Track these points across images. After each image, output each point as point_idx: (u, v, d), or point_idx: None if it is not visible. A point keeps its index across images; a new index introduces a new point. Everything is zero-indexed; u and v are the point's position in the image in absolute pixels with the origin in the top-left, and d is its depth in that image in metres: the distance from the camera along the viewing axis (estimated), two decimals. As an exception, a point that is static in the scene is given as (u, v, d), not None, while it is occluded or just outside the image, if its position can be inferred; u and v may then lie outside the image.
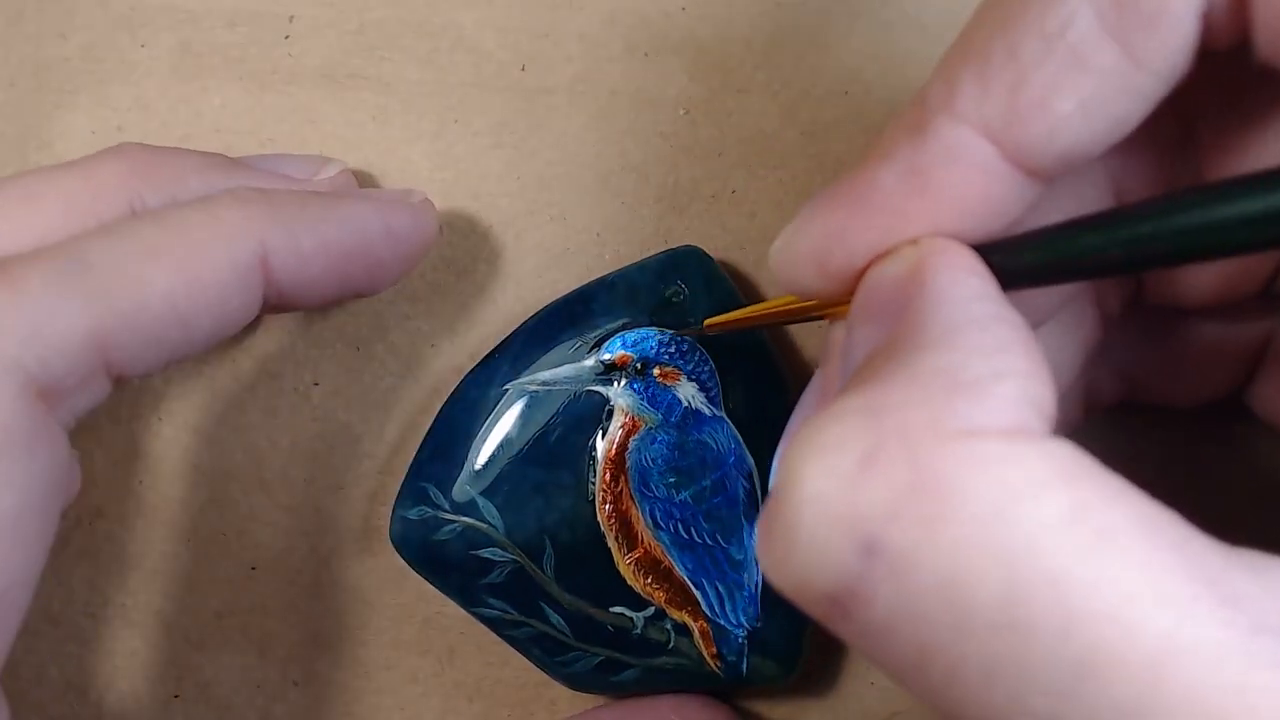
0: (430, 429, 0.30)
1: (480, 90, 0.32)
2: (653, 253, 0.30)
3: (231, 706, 0.32)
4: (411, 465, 0.30)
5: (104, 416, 0.33)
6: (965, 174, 0.19)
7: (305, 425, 0.32)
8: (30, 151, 0.33)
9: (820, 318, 0.24)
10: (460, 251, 0.32)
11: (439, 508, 0.29)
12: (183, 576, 0.33)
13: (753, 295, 0.32)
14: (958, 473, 0.16)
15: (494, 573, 0.29)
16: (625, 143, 0.32)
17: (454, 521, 0.29)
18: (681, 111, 0.32)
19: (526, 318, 0.32)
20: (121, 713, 0.33)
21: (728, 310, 0.29)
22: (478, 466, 0.29)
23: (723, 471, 0.29)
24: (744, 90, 0.32)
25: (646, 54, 0.32)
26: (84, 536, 0.33)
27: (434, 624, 0.32)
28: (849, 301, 0.21)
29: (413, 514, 0.29)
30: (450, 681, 0.32)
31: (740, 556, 0.29)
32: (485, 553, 0.29)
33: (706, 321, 0.28)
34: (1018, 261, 0.20)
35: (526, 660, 0.30)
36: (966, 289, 0.19)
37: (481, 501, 0.29)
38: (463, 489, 0.29)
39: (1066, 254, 0.19)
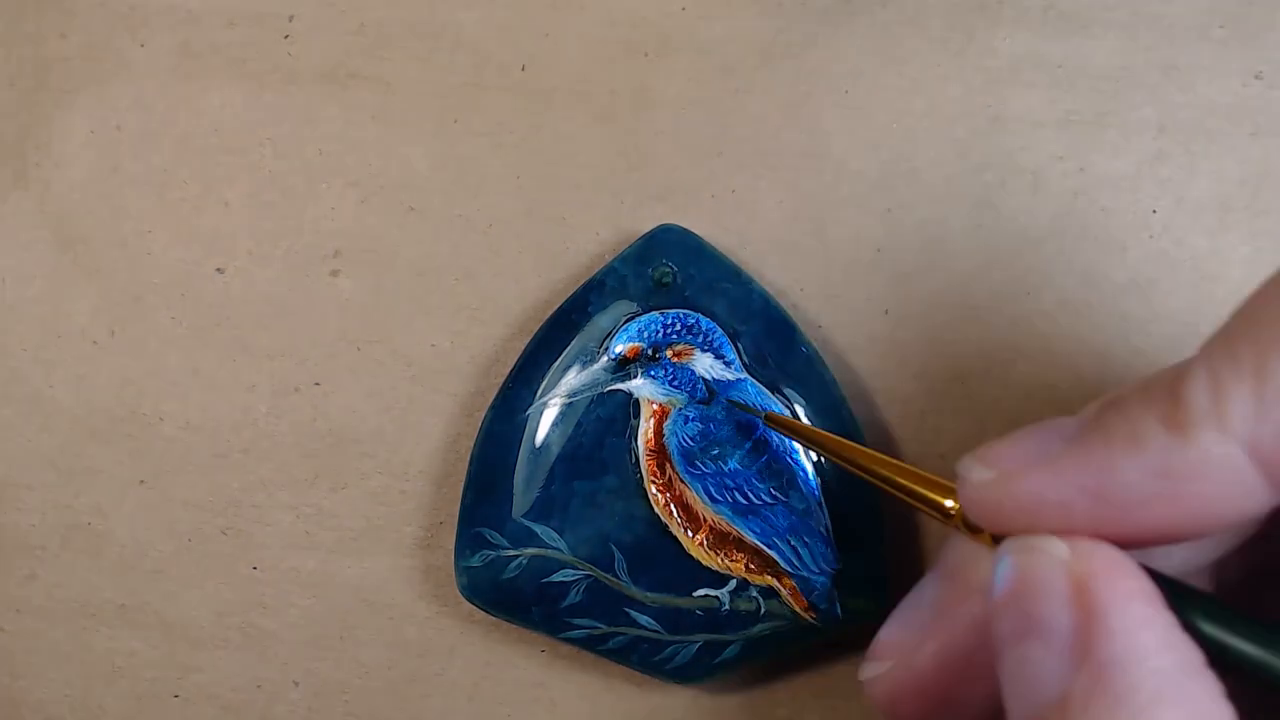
0: (467, 474, 0.30)
1: (480, 90, 0.32)
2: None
3: (231, 706, 0.32)
4: (460, 515, 0.30)
5: (105, 416, 0.33)
6: (1224, 490, 0.19)
7: (306, 425, 0.32)
8: (29, 151, 0.33)
9: (919, 508, 0.24)
10: (460, 251, 0.32)
11: (499, 547, 0.29)
12: (182, 576, 0.33)
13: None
14: None
15: (571, 594, 0.29)
16: (625, 143, 0.32)
17: (517, 556, 0.29)
18: (682, 111, 0.32)
19: (525, 322, 0.32)
20: (121, 713, 0.33)
21: (723, 279, 0.29)
22: (524, 495, 0.29)
23: (761, 428, 0.29)
24: (744, 90, 0.32)
25: (646, 54, 0.32)
26: (84, 536, 0.33)
27: (434, 624, 0.32)
28: (982, 530, 0.21)
29: (475, 561, 0.29)
30: (450, 681, 0.32)
31: (803, 505, 0.29)
32: (556, 577, 0.29)
33: (767, 415, 0.28)
34: (1211, 628, 0.19)
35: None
36: (1152, 633, 0.18)
37: (539, 528, 0.29)
38: (516, 522, 0.29)
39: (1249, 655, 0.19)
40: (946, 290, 0.31)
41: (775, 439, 0.29)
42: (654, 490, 0.29)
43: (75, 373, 0.33)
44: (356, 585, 0.32)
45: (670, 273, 0.30)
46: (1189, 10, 0.31)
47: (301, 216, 0.33)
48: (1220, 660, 0.19)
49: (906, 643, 0.23)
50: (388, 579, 0.32)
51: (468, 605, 0.30)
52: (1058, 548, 0.20)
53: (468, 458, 0.30)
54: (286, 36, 0.33)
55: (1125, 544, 0.20)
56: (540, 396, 0.29)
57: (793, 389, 0.29)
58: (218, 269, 0.33)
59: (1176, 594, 0.20)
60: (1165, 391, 0.19)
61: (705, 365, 0.29)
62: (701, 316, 0.29)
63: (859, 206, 0.32)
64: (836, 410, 0.29)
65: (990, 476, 0.21)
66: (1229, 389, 0.18)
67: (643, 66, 0.32)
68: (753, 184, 0.32)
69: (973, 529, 0.22)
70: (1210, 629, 0.19)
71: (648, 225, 0.31)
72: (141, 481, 0.33)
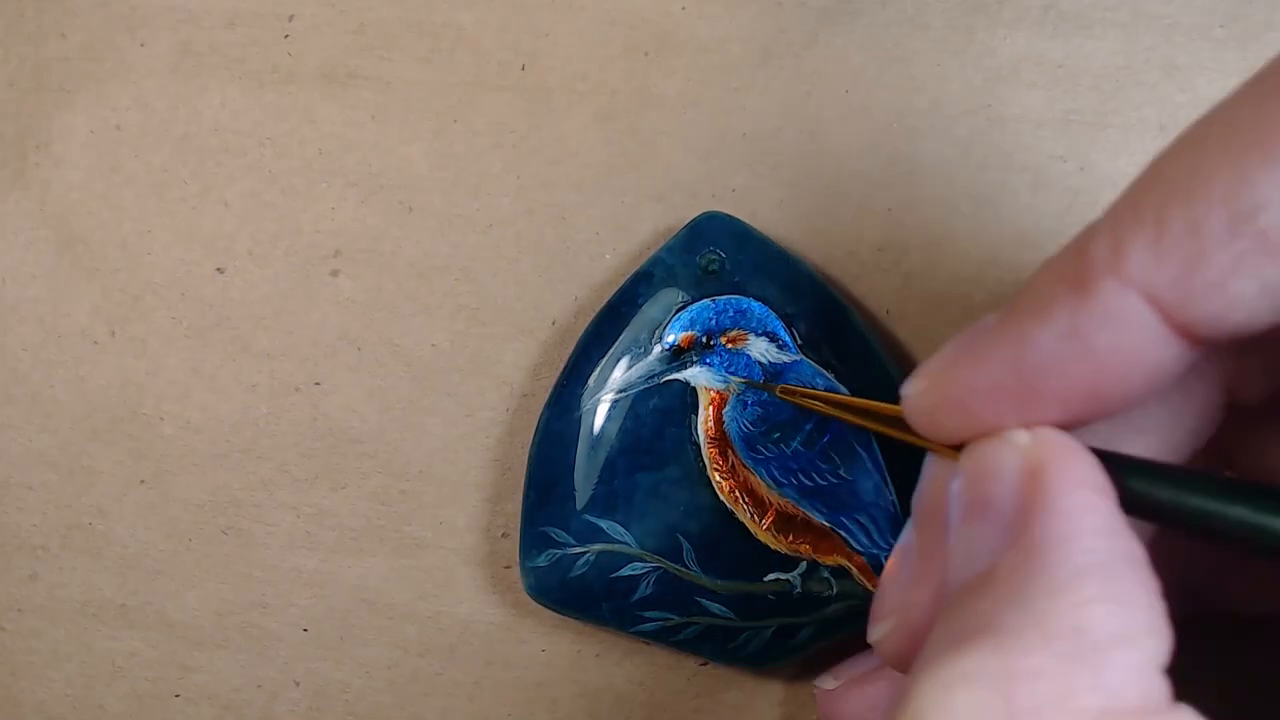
0: (527, 475, 0.30)
1: (480, 90, 0.32)
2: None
3: (231, 706, 0.32)
4: (523, 516, 0.30)
5: (105, 416, 0.33)
6: (1130, 341, 0.19)
7: (306, 425, 0.32)
8: (30, 151, 0.33)
9: (916, 444, 0.23)
10: (460, 251, 0.32)
11: (565, 545, 0.29)
12: (183, 576, 0.33)
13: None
14: None
15: (641, 587, 0.29)
16: (625, 143, 0.32)
17: (585, 552, 0.29)
18: (682, 111, 0.32)
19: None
20: (122, 713, 0.33)
21: (771, 262, 0.29)
22: (587, 491, 0.29)
23: None
24: (744, 90, 0.32)
25: (646, 54, 0.32)
26: (84, 536, 0.33)
27: (434, 624, 0.32)
28: (957, 445, 0.21)
29: (542, 561, 0.29)
30: (450, 681, 0.32)
31: (868, 482, 0.29)
32: (625, 571, 0.29)
33: (780, 389, 0.28)
34: (1145, 490, 0.20)
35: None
36: (1095, 517, 0.18)
37: (604, 523, 0.29)
38: (582, 519, 0.29)
39: (1214, 513, 0.19)
40: (947, 291, 0.31)
41: (836, 421, 0.29)
42: (717, 478, 0.29)
43: (75, 373, 0.33)
44: (356, 585, 0.32)
45: (718, 259, 0.30)
46: (1189, 10, 0.31)
47: (301, 216, 0.33)
48: (1170, 519, 0.19)
49: (901, 596, 0.23)
50: (388, 579, 0.32)
51: (467, 605, 0.30)
52: (1019, 436, 0.20)
53: (467, 458, 0.30)
54: (286, 36, 0.33)
55: (1067, 424, 0.20)
56: (595, 391, 0.29)
57: (847, 368, 0.29)
58: (218, 269, 0.33)
59: (1124, 466, 0.20)
60: (1070, 254, 0.20)
61: (760, 349, 0.29)
62: (752, 301, 0.29)
63: (859, 206, 0.32)
64: (893, 388, 0.29)
65: (925, 384, 0.21)
66: (1127, 238, 0.19)
67: (643, 66, 0.32)
68: (753, 184, 0.32)
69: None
70: (1143, 486, 0.19)
71: (648, 225, 0.31)
72: (142, 481, 0.33)
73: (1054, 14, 0.31)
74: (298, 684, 0.32)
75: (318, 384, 0.32)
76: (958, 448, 0.21)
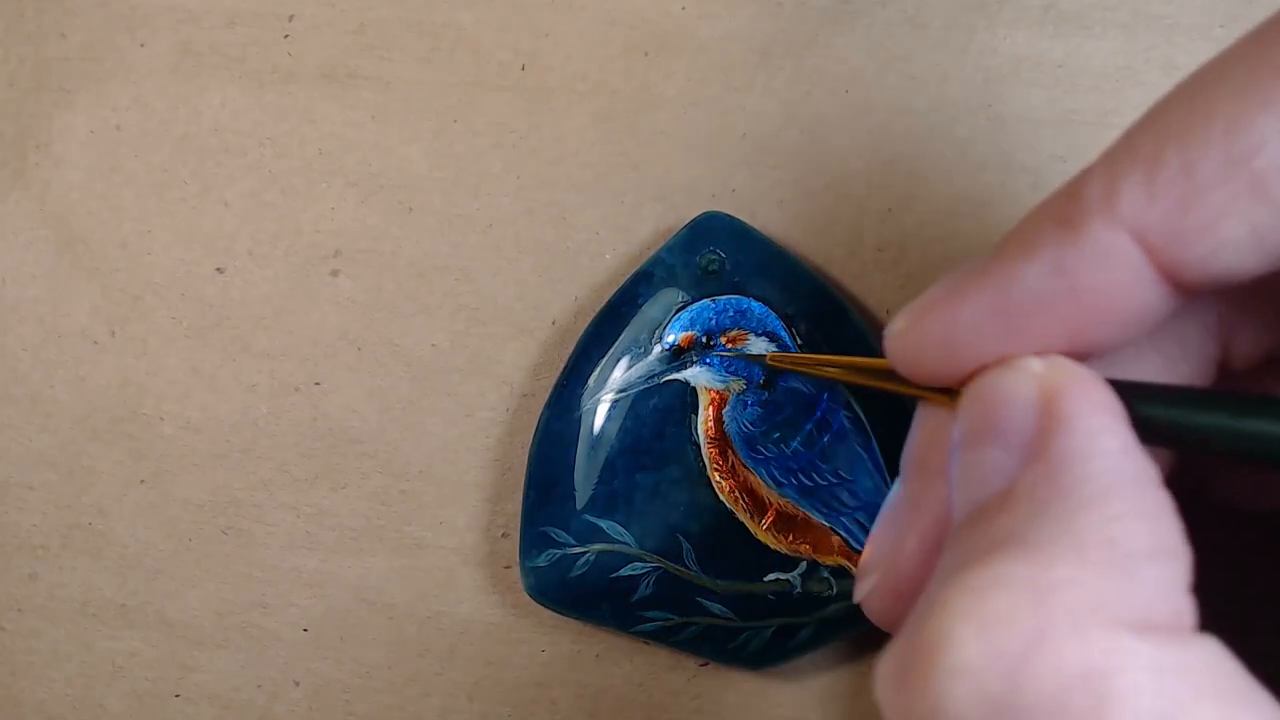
0: (527, 475, 0.30)
1: (480, 90, 0.32)
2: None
3: (231, 706, 0.32)
4: (523, 516, 0.30)
5: (105, 416, 0.33)
6: (1115, 281, 0.19)
7: (306, 425, 0.32)
8: (30, 151, 0.33)
9: (905, 394, 0.23)
10: (460, 251, 0.32)
11: (565, 545, 0.29)
12: (183, 576, 0.33)
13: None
14: (1123, 675, 0.16)
15: (641, 586, 0.29)
16: (625, 142, 0.32)
17: (585, 552, 0.29)
18: (682, 111, 0.32)
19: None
20: (122, 712, 0.33)
21: (771, 262, 0.29)
22: (587, 492, 0.29)
23: (821, 409, 0.29)
24: (744, 90, 0.32)
25: (646, 54, 0.32)
26: (84, 536, 0.33)
27: (434, 624, 0.32)
28: (948, 390, 0.21)
29: (541, 561, 0.29)
30: (450, 681, 0.32)
31: (868, 483, 0.29)
32: (625, 570, 0.29)
33: (769, 356, 0.28)
34: (1155, 413, 0.19)
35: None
36: (1113, 439, 0.18)
37: (605, 523, 0.29)
38: (582, 519, 0.29)
39: (1226, 430, 0.19)
40: (946, 290, 0.31)
41: (836, 421, 0.29)
42: (717, 478, 0.29)
43: (75, 373, 0.33)
44: (356, 585, 0.32)
45: (718, 259, 0.30)
46: (1189, 10, 0.31)
47: (301, 216, 0.33)
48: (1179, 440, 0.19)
49: (890, 544, 0.22)
50: (388, 579, 0.32)
51: (468, 605, 0.30)
52: (1033, 363, 0.20)
53: (467, 458, 0.30)
54: (286, 36, 0.33)
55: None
56: (595, 391, 0.29)
57: (842, 348, 0.29)
58: (218, 269, 0.33)
59: (1133, 392, 0.20)
60: (1061, 195, 0.19)
61: (760, 349, 0.29)
62: (752, 301, 0.29)
63: (859, 206, 0.32)
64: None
65: (908, 322, 0.21)
66: (1121, 176, 0.18)
67: (643, 66, 0.32)
68: (753, 184, 0.32)
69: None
70: (1152, 410, 0.19)
71: (648, 225, 0.31)
72: (142, 481, 0.33)
73: (1054, 14, 0.31)
74: (298, 684, 0.32)
75: (318, 384, 0.32)
76: (949, 396, 0.21)
